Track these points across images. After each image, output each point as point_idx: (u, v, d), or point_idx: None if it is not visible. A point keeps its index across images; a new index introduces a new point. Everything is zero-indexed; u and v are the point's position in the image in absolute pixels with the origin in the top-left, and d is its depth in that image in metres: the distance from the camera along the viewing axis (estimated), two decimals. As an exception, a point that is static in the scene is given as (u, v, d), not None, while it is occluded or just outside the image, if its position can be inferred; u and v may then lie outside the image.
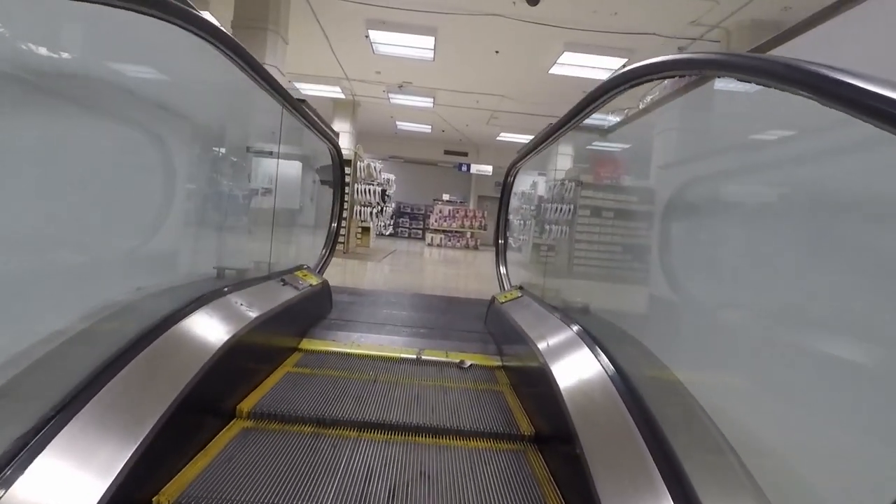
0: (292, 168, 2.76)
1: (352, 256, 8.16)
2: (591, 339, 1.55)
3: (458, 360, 2.12)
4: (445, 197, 16.38)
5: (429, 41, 7.47)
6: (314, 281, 2.43)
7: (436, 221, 15.15)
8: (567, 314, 1.86)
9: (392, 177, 10.02)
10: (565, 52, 7.41)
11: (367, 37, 7.54)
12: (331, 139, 2.96)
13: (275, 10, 5.81)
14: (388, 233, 9.96)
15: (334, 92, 10.96)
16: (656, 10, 6.16)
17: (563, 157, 5.23)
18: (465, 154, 16.17)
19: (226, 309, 1.51)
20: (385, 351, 2.19)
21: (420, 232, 18.28)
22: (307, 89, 10.80)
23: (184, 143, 1.77)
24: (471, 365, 2.11)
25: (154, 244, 1.75)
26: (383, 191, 8.96)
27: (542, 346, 1.61)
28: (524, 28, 6.79)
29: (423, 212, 18.59)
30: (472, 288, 5.62)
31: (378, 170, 8.95)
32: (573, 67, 7.99)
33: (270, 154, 2.23)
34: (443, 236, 14.90)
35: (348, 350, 2.16)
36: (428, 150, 16.36)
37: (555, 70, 8.16)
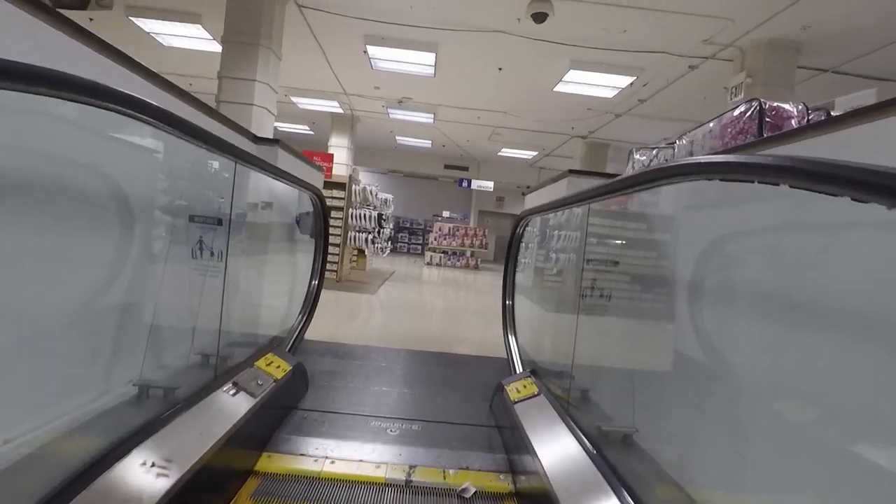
0: (261, 228, 2.34)
1: (344, 286, 7.65)
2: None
3: (459, 488, 1.67)
4: (445, 214, 15.99)
5: (429, 57, 7.16)
6: (281, 373, 1.98)
7: (435, 240, 14.65)
8: (603, 445, 1.43)
9: (390, 196, 9.57)
10: (571, 70, 7.10)
11: (365, 52, 7.21)
12: (311, 188, 2.53)
13: (267, 25, 5.50)
14: (385, 254, 9.48)
15: (332, 107, 10.66)
16: (668, 27, 5.86)
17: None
18: (466, 168, 15.82)
19: (133, 481, 1.06)
20: (365, 470, 1.74)
21: (419, 248, 17.80)
22: (304, 104, 10.55)
23: (94, 218, 1.34)
24: (475, 493, 1.67)
25: (40, 355, 1.27)
26: (380, 215, 8.50)
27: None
28: (529, 45, 6.49)
29: (422, 226, 18.15)
30: (476, 335, 5.13)
31: (374, 193, 8.49)
32: (579, 85, 7.69)
33: (219, 223, 1.80)
34: (442, 255, 14.39)
35: (319, 469, 1.71)
36: (428, 165, 16.03)
37: (559, 88, 7.86)
